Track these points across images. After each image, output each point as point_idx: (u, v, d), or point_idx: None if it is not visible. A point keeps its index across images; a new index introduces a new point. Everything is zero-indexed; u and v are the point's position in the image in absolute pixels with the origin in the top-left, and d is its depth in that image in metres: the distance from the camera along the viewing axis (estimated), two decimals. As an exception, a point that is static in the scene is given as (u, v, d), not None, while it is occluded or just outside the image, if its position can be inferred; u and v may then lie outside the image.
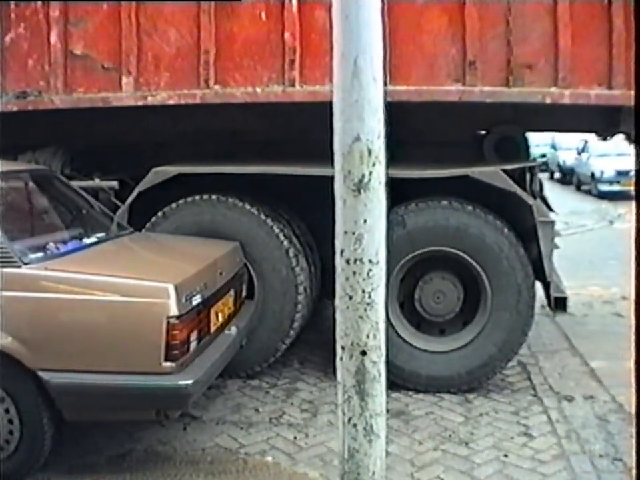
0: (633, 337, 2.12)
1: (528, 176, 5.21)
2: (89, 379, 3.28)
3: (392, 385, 4.54)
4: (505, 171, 4.70)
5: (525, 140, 5.82)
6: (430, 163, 5.02)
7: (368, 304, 2.21)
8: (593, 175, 18.82)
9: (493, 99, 4.65)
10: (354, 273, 2.21)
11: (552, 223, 4.80)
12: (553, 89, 4.55)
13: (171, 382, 3.28)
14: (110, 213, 4.76)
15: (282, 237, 4.81)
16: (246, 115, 5.34)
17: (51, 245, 3.74)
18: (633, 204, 3.83)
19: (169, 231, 4.90)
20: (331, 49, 2.23)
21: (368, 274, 2.20)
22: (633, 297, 2.23)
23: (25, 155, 5.51)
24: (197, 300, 3.50)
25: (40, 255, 3.58)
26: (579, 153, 20.65)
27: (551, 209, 5.75)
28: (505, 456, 3.83)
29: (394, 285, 4.73)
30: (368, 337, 2.23)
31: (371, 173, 2.19)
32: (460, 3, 4.55)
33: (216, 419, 4.32)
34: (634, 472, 2.43)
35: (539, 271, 4.71)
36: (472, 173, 4.66)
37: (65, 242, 3.88)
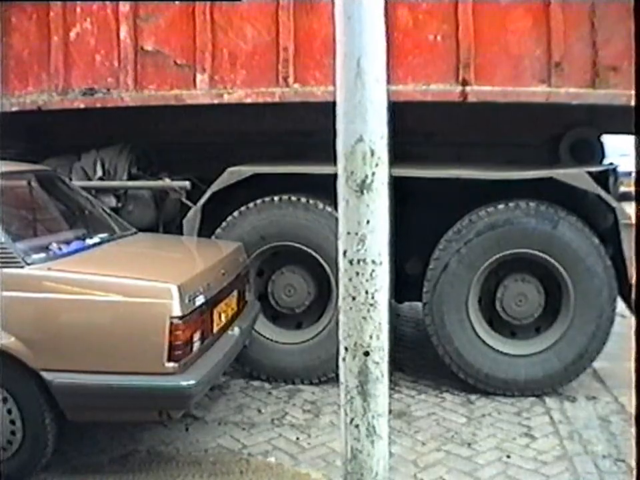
0: (633, 338, 2.12)
1: (611, 179, 5.11)
2: (92, 379, 3.28)
3: (467, 386, 4.71)
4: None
5: (600, 143, 5.68)
6: (506, 165, 4.95)
7: (371, 305, 2.21)
8: (594, 175, 18.73)
9: (579, 100, 4.57)
10: (357, 273, 2.20)
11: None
12: None
13: (173, 382, 3.28)
14: (112, 213, 4.76)
15: None
16: (317, 114, 5.03)
17: (54, 246, 3.74)
18: (633, 204, 3.84)
19: (244, 232, 4.77)
20: (334, 49, 2.23)
21: (371, 275, 2.20)
22: (634, 297, 2.23)
23: (89, 153, 5.42)
24: (200, 300, 3.51)
25: (43, 255, 3.59)
26: (581, 154, 20.56)
27: None
28: (508, 457, 3.84)
29: (477, 283, 4.69)
30: (371, 337, 2.23)
31: (373, 173, 2.18)
32: (545, 3, 4.50)
33: (218, 419, 4.32)
34: (635, 472, 2.43)
35: (619, 273, 4.63)
36: (556, 175, 4.60)
37: (68, 242, 3.89)
